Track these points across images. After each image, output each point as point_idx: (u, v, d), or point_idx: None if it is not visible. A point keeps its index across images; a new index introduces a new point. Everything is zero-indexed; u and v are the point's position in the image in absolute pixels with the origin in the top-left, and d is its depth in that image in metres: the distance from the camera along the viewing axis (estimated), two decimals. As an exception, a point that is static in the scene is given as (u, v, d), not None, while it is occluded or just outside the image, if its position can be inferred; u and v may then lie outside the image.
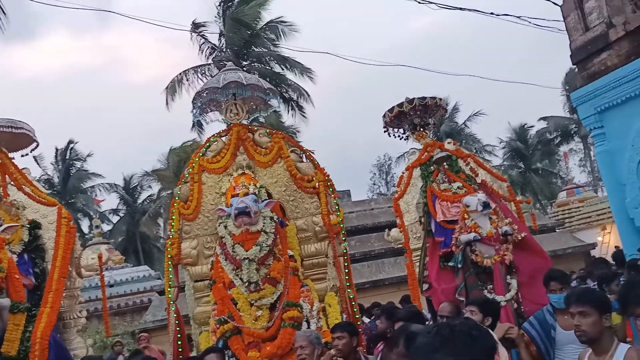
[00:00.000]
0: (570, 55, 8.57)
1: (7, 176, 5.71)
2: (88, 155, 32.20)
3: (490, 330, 1.38)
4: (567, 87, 33.85)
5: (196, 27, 21.68)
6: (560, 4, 8.90)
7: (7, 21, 13.13)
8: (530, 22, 9.99)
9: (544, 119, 36.05)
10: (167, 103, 20.97)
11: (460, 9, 9.45)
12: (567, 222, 20.54)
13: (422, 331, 3.08)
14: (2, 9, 12.82)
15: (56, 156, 31.93)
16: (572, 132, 35.96)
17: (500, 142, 36.53)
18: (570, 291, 3.56)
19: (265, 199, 5.51)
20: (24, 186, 5.73)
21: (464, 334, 1.41)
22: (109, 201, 33.58)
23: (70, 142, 31.98)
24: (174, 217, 5.83)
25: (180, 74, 21.19)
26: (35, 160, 30.54)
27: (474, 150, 29.20)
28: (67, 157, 31.86)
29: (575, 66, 8.73)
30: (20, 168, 5.93)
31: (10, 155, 5.90)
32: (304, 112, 22.55)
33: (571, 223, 20.42)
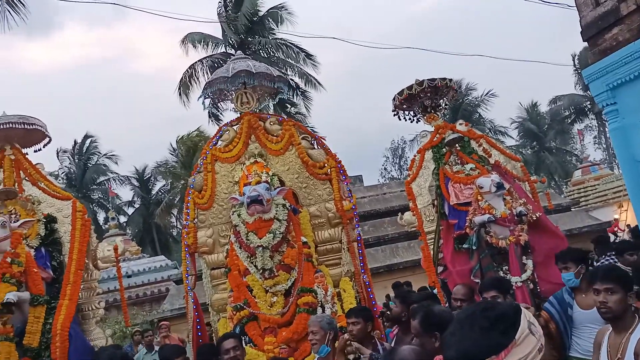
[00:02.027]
0: (581, 32, 8.40)
1: (21, 172, 5.77)
2: (111, 154, 32.50)
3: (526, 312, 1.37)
4: (577, 65, 33.39)
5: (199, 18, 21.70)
6: (570, -21, 8.71)
7: (27, 13, 13.26)
8: (539, -1, 9.78)
9: (558, 98, 35.58)
10: (180, 98, 21.04)
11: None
12: (583, 200, 20.36)
13: (443, 310, 3.10)
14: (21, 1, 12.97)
15: (73, 150, 32.27)
16: (587, 110, 35.50)
17: (512, 123, 36.24)
18: (595, 268, 3.55)
19: (278, 187, 5.53)
20: (38, 181, 5.79)
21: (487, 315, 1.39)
22: (125, 193, 33.91)
23: (86, 135, 32.31)
24: (189, 207, 5.89)
25: (189, 68, 21.25)
26: (57, 154, 31.01)
27: (487, 132, 29.00)
28: (84, 151, 32.19)
29: (586, 43, 8.57)
30: (34, 163, 5.98)
31: (24, 151, 5.96)
32: (309, 100, 22.52)
33: (587, 201, 20.24)
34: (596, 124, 37.60)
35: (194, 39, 21.48)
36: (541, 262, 5.51)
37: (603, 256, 5.27)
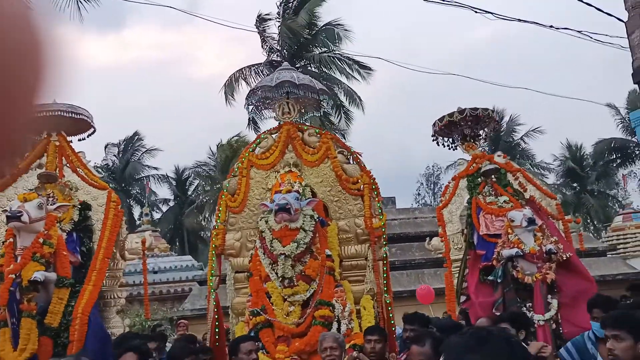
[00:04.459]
0: (632, 74, 8.24)
1: (63, 158, 5.97)
2: (153, 149, 33.23)
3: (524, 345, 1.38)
4: (628, 108, 32.50)
5: (261, 22, 21.92)
6: (625, 20, 8.55)
7: (97, 8, 13.71)
8: (591, 38, 9.55)
9: (602, 141, 34.63)
10: (226, 100, 21.30)
11: (519, 20, 9.16)
12: (622, 247, 19.71)
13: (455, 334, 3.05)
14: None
15: (119, 145, 33.13)
16: (634, 155, 34.44)
17: (554, 160, 35.45)
18: (607, 314, 3.43)
19: (309, 198, 5.56)
20: (78, 169, 5.98)
21: (501, 339, 1.40)
22: (163, 192, 34.44)
23: (135, 133, 33.16)
24: (220, 209, 5.98)
25: (237, 71, 21.56)
26: (105, 147, 31.92)
27: (528, 167, 28.48)
28: (130, 147, 33.01)
29: (636, 85, 8.38)
30: (76, 151, 6.19)
31: (69, 139, 6.17)
32: (350, 117, 22.49)
33: (625, 249, 19.59)
34: (642, 171, 36.37)
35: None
36: (567, 304, 5.38)
37: None
